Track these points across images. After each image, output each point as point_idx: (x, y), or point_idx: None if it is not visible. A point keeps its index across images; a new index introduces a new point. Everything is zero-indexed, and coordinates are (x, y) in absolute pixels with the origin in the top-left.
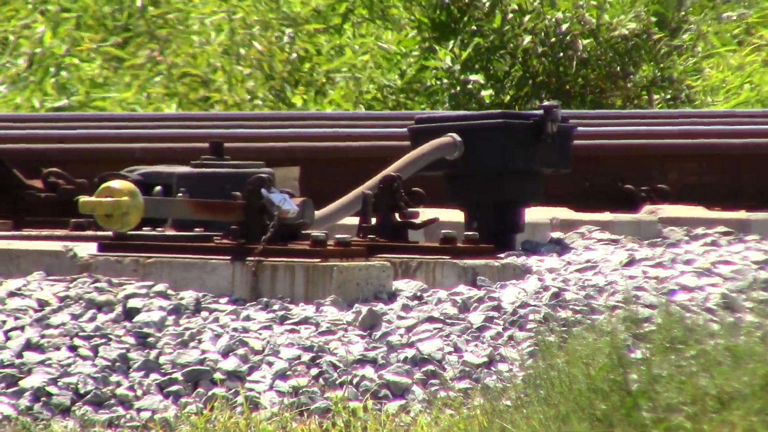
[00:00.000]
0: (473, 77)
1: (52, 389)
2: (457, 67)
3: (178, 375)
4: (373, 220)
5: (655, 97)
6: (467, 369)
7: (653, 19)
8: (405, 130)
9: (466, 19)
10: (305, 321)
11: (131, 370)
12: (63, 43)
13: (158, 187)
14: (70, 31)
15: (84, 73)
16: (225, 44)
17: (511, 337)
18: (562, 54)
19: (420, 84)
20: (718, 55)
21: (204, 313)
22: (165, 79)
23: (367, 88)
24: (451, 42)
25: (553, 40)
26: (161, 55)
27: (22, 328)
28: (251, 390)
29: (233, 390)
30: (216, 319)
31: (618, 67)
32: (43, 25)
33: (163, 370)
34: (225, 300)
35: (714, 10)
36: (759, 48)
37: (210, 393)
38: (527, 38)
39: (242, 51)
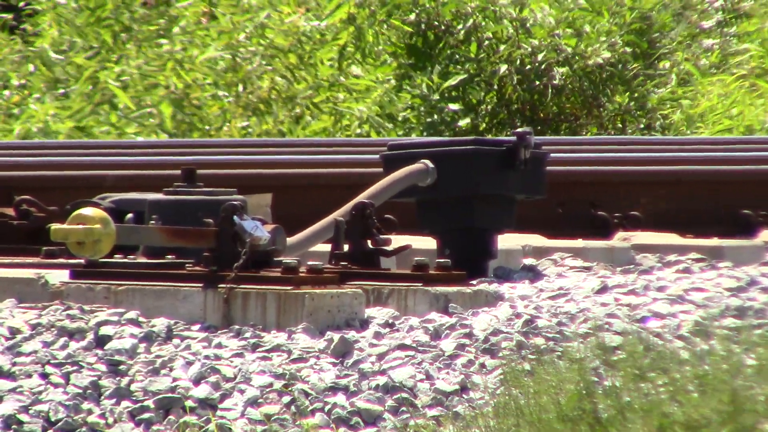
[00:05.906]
0: (453, 106)
1: (24, 417)
2: (436, 96)
3: (149, 403)
4: (346, 247)
5: (630, 126)
6: (439, 396)
7: (627, 49)
8: (378, 156)
9: (441, 45)
10: (277, 348)
11: (103, 397)
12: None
13: (130, 215)
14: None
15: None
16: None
17: (482, 365)
18: (537, 82)
19: (395, 111)
20: (698, 83)
21: (176, 341)
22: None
23: (347, 123)
24: (429, 69)
25: (529, 68)
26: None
27: None
28: (223, 418)
29: (205, 418)
30: (188, 347)
31: (591, 97)
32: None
33: (134, 398)
34: (197, 327)
35: (694, 39)
36: (744, 77)
37: (181, 421)
38: (503, 67)
39: (241, 88)
